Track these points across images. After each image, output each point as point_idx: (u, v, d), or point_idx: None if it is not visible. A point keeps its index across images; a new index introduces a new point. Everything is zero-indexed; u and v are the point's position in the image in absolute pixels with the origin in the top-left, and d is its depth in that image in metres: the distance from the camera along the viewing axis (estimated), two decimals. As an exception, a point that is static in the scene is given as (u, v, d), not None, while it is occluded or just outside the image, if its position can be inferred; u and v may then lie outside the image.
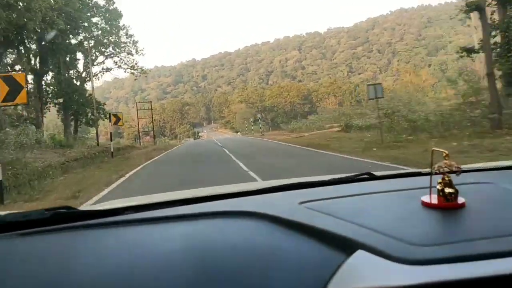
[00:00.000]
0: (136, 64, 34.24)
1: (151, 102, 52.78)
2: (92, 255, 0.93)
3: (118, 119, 25.43)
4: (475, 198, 1.05)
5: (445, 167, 0.98)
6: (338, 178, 1.57)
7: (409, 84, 76.35)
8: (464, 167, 1.43)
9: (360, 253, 0.73)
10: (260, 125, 59.37)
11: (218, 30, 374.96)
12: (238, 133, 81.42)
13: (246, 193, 1.46)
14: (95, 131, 29.13)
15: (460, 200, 0.98)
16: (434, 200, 1.00)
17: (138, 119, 51.15)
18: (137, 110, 50.80)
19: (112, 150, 22.02)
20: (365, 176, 1.58)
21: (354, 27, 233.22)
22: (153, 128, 51.65)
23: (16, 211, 1.25)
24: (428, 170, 1.15)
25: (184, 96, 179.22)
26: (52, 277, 0.82)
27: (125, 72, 33.83)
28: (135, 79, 42.67)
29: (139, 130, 50.03)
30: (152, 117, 50.68)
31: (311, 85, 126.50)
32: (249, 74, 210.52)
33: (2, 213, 1.21)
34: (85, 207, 1.37)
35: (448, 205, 0.97)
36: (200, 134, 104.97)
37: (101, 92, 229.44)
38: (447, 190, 0.97)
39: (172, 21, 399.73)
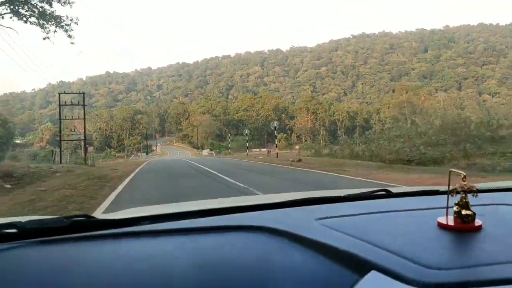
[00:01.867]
0: (51, 14, 18.62)
1: (83, 93, 36.66)
2: (107, 265, 0.94)
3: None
4: (492, 221, 1.03)
5: (463, 188, 0.96)
6: (355, 194, 1.54)
7: (406, 104, 65.13)
8: (481, 186, 1.42)
9: (373, 274, 0.72)
10: (230, 142, 45.70)
11: (176, 39, 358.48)
12: (205, 151, 65.33)
13: (262, 207, 1.42)
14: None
15: (477, 222, 0.96)
16: (451, 221, 0.98)
17: (60, 121, 34.81)
18: (60, 105, 34.51)
19: None
20: (382, 193, 1.53)
21: (317, 47, 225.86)
22: (84, 138, 35.56)
23: (37, 218, 1.25)
24: (445, 188, 1.14)
25: (136, 105, 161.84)
26: (68, 286, 0.82)
27: (26, 22, 17.94)
28: (78, 54, 27.46)
29: (60, 140, 33.69)
30: (85, 119, 34.58)
31: (288, 98, 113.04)
32: (208, 87, 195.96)
33: (24, 219, 1.21)
34: (103, 215, 1.41)
35: (464, 227, 0.95)
36: (153, 148, 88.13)
37: (44, 95, 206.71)
38: (464, 212, 0.96)
39: (128, 25, 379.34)
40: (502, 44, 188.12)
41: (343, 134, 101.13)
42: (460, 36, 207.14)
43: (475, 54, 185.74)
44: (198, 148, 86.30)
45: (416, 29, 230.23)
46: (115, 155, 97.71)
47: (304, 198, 1.46)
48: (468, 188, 0.96)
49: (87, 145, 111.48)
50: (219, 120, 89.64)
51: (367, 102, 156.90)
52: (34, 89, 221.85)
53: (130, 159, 57.31)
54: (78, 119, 37.04)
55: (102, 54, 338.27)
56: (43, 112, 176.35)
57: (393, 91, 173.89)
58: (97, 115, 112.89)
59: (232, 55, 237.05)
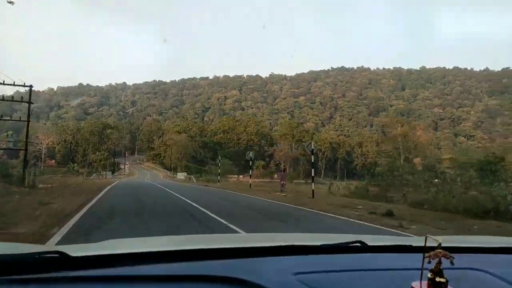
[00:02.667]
0: None
1: (31, 86, 29.52)
2: None
3: None
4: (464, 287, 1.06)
5: (437, 255, 0.98)
6: (331, 245, 1.51)
7: (400, 138, 60.36)
8: (456, 240, 1.56)
9: None
10: (219, 167, 38.63)
11: (153, 57, 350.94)
12: (181, 175, 56.97)
13: (238, 252, 1.38)
14: None
15: None
16: (425, 286, 0.99)
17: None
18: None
19: None
20: (357, 244, 1.51)
21: (297, 76, 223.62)
22: (25, 148, 28.39)
23: (6, 253, 1.18)
24: (419, 243, 1.15)
25: (107, 119, 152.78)
26: None
27: None
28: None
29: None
30: (28, 121, 27.48)
31: (266, 124, 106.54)
32: (184, 107, 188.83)
33: None
34: (77, 247, 1.33)
35: None
36: (121, 166, 79.79)
37: (8, 103, 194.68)
38: (438, 279, 0.97)
39: (105, 39, 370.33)
40: (477, 88, 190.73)
41: (324, 166, 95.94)
42: (437, 78, 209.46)
43: (451, 96, 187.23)
44: (170, 170, 78.66)
45: (394, 67, 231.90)
46: (78, 171, 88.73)
47: (282, 246, 1.43)
48: (443, 256, 0.98)
49: (48, 158, 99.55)
50: (195, 141, 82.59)
51: (345, 135, 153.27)
52: (3, 95, 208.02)
53: (91, 178, 48.29)
54: (20, 120, 29.70)
55: (75, 65, 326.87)
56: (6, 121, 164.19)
57: (371, 125, 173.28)
58: (63, 126, 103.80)
59: (211, 77, 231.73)
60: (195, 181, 46.23)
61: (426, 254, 0.98)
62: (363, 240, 1.52)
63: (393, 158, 55.90)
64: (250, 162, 31.50)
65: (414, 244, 1.52)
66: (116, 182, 33.11)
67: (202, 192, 22.48)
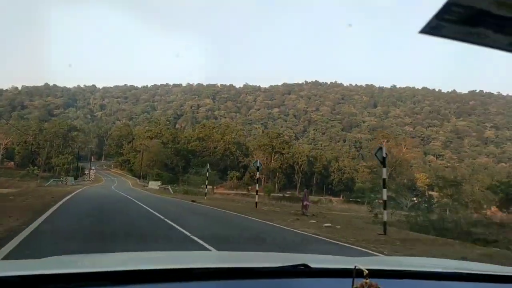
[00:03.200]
0: None
1: None
2: None
3: None
4: None
5: (364, 286, 1.00)
6: (276, 268, 1.49)
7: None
8: (386, 263, 1.62)
9: None
10: (207, 176, 33.08)
11: (125, 61, 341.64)
12: (154, 184, 51.30)
13: (165, 274, 1.29)
14: None
15: None
16: None
17: None
18: None
19: None
20: (302, 267, 1.49)
21: (271, 88, 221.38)
22: None
23: None
24: (351, 267, 1.18)
25: (74, 122, 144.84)
26: None
27: None
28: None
29: None
30: None
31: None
32: (155, 113, 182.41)
33: None
34: (9, 267, 1.30)
35: None
36: (85, 171, 73.53)
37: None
38: None
39: (76, 39, 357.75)
40: (446, 109, 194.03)
41: (300, 179, 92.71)
42: (407, 97, 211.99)
43: (421, 115, 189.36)
44: (139, 178, 73.20)
45: (366, 84, 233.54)
46: (37, 174, 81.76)
47: (225, 267, 1.41)
48: (369, 286, 1.01)
49: (6, 160, 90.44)
50: (168, 148, 77.47)
51: (318, 149, 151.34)
52: None
53: (47, 184, 40.92)
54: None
55: (42, 64, 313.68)
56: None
57: (344, 141, 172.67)
58: (23, 126, 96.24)
59: (184, 84, 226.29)
60: (172, 191, 40.46)
61: (354, 284, 1.02)
62: (307, 263, 1.49)
63: (377, 175, 53.04)
64: (257, 173, 23.97)
65: (347, 267, 1.41)
66: (77, 191, 27.45)
67: (196, 213, 16.16)
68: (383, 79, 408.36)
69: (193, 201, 23.84)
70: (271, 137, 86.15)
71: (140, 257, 1.82)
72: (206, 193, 30.23)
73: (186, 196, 32.27)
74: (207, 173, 30.77)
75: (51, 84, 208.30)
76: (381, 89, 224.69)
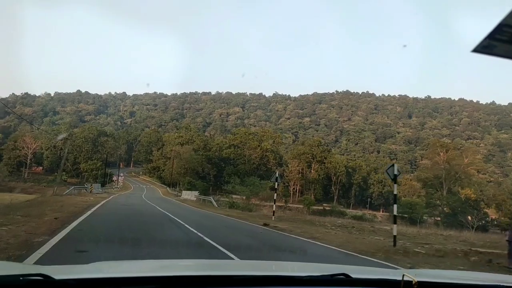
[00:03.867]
0: None
1: None
2: None
3: None
4: None
5: None
6: (316, 277, 1.50)
7: (445, 165, 50.84)
8: (431, 275, 1.56)
9: None
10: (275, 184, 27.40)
11: (155, 69, 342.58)
12: (190, 194, 44.49)
13: (224, 280, 1.34)
14: None
15: None
16: None
17: None
18: None
19: None
20: (341, 277, 1.48)
21: (301, 98, 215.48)
22: None
23: None
24: (398, 277, 1.15)
25: (105, 128, 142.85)
26: None
27: None
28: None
29: None
30: None
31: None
32: (184, 121, 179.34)
33: None
34: (60, 268, 1.31)
35: None
36: (113, 178, 69.29)
37: (1, 105, 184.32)
38: None
39: (108, 48, 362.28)
40: (486, 121, 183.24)
41: (337, 191, 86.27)
42: (444, 108, 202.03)
43: (459, 127, 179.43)
44: (169, 186, 68.44)
45: (399, 95, 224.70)
46: (65, 180, 78.37)
47: (266, 276, 1.40)
48: None
49: (35, 165, 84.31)
50: (199, 155, 72.46)
51: (353, 159, 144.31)
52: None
53: (66, 193, 30.80)
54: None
55: (75, 72, 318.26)
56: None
57: (378, 152, 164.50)
58: (53, 130, 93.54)
59: (213, 92, 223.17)
60: (215, 205, 31.73)
61: None
62: (347, 273, 1.47)
63: (434, 189, 46.47)
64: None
65: (394, 279, 1.43)
66: (101, 203, 21.55)
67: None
68: (417, 90, 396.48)
69: (265, 224, 16.42)
70: (311, 145, 79.86)
71: (177, 264, 2.02)
72: (274, 211, 22.25)
73: (236, 212, 26.09)
74: (276, 183, 22.08)
75: (83, 91, 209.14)
76: (416, 99, 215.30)
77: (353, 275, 1.44)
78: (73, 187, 36.50)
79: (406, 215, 69.74)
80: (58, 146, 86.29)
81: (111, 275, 1.23)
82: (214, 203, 32.49)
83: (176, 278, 1.27)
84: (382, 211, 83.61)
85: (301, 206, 59.54)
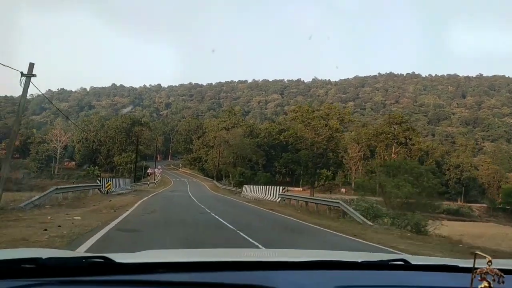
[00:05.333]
0: None
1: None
2: None
3: None
4: None
5: (488, 273, 0.88)
6: (373, 262, 1.46)
7: None
8: (504, 263, 1.38)
9: None
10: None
11: (190, 59, 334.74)
12: (257, 191, 28.74)
13: (276, 265, 1.35)
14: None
15: None
16: None
17: None
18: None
19: None
20: (400, 263, 1.42)
21: (342, 82, 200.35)
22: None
23: (57, 256, 1.20)
24: (466, 264, 1.09)
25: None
26: None
27: None
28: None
29: None
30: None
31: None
32: (221, 110, 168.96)
33: (44, 253, 1.18)
34: (120, 255, 1.36)
35: None
36: (149, 171, 58.27)
37: (39, 101, 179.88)
38: None
39: (142, 39, 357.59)
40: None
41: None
42: (501, 85, 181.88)
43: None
44: (213, 178, 57.34)
45: (448, 74, 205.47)
46: (99, 175, 68.72)
47: (321, 261, 1.37)
48: (494, 274, 0.88)
49: (67, 159, 72.38)
50: (250, 142, 60.61)
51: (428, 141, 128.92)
52: (32, 94, 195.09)
53: (24, 204, 15.20)
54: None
55: (109, 66, 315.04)
56: (34, 118, 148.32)
57: (433, 135, 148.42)
58: (85, 121, 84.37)
59: (249, 80, 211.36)
60: (361, 218, 14.59)
61: (476, 271, 0.90)
62: (406, 259, 1.41)
63: None
64: None
65: (460, 265, 1.36)
66: (123, 216, 11.35)
67: None
68: (467, 68, 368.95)
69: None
70: (391, 122, 66.31)
71: (229, 253, 2.04)
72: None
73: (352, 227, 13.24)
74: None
75: (118, 84, 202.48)
76: (468, 78, 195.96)
77: (413, 262, 1.36)
78: (54, 187, 16.36)
79: (508, 207, 55.85)
80: (90, 138, 76.84)
81: (166, 260, 1.26)
82: (358, 215, 15.11)
83: (233, 263, 1.27)
84: (462, 201, 69.53)
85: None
